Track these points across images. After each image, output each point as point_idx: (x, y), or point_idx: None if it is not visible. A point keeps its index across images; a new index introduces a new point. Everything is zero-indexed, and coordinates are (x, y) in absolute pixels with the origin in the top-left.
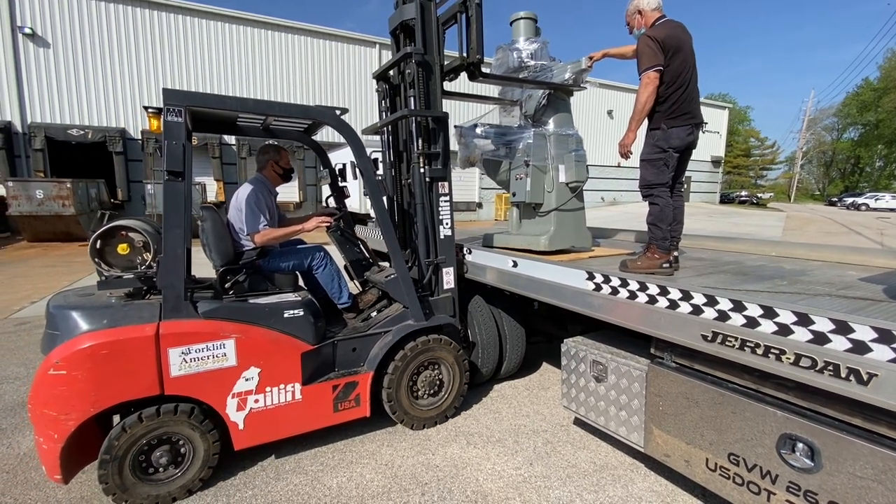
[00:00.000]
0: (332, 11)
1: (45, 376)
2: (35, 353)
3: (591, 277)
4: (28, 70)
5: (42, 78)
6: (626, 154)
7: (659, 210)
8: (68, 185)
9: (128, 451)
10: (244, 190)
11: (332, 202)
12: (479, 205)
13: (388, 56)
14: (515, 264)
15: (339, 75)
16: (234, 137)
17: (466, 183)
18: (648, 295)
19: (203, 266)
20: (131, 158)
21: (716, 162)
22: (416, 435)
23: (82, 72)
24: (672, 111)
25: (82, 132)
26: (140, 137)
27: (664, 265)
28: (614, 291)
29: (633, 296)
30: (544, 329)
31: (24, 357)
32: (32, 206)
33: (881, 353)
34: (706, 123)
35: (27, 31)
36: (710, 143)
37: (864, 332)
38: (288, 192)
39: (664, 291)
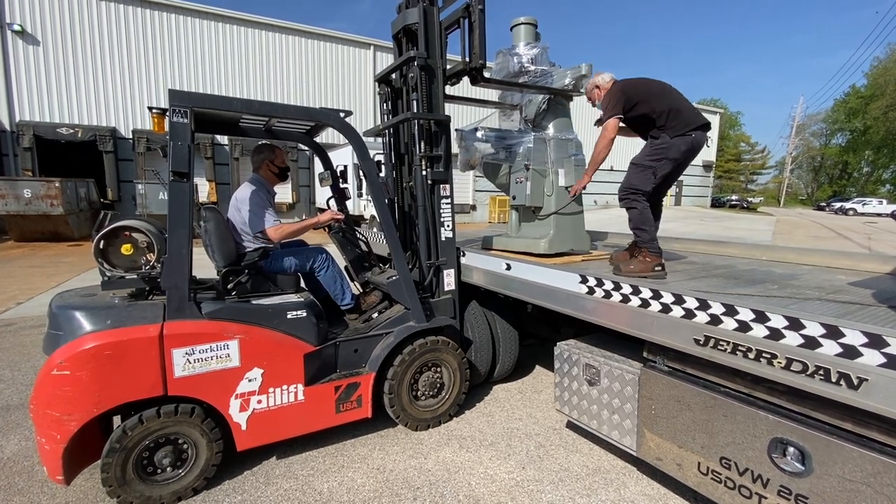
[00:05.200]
0: (323, 10)
1: (48, 377)
2: (21, 354)
3: (584, 281)
4: (17, 68)
5: (31, 76)
6: (574, 193)
7: (638, 214)
8: (57, 185)
9: (137, 444)
10: (244, 191)
11: (332, 203)
12: (473, 207)
13: (383, 58)
14: (509, 267)
15: (333, 76)
16: (226, 138)
17: (461, 185)
18: (641, 298)
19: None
20: (122, 158)
21: (707, 166)
22: (409, 438)
23: (72, 70)
24: (669, 125)
25: (72, 131)
26: (131, 137)
27: (656, 268)
28: (607, 295)
29: (625, 299)
30: (537, 332)
31: (9, 359)
32: (20, 205)
33: (871, 357)
34: (707, 127)
35: (16, 28)
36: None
37: (854, 337)
38: (281, 193)
39: (657, 295)
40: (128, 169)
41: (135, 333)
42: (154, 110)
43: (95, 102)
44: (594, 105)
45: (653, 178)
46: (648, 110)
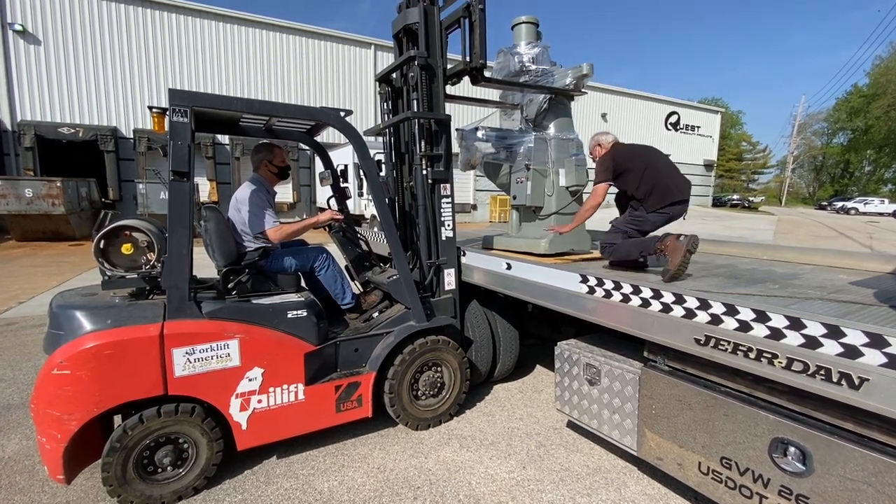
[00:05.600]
0: (323, 10)
1: (49, 376)
2: (22, 354)
3: (584, 280)
4: (18, 67)
5: (32, 75)
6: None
7: (625, 251)
8: (58, 184)
9: (137, 443)
10: (244, 191)
11: (333, 203)
12: (474, 206)
13: (383, 57)
14: (509, 266)
15: (333, 76)
16: (227, 137)
17: (461, 185)
18: (642, 298)
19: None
20: (123, 157)
21: (708, 166)
22: (409, 438)
23: (73, 69)
24: (647, 200)
25: (73, 130)
26: (132, 136)
27: (680, 239)
28: (608, 294)
29: (626, 299)
30: (538, 331)
31: (10, 358)
32: (21, 204)
33: (873, 357)
34: (684, 199)
35: (17, 27)
36: (703, 148)
37: (855, 337)
38: (282, 193)
39: (657, 295)
40: (129, 168)
41: (135, 333)
42: (154, 110)
43: (97, 102)
44: (595, 161)
45: (621, 238)
46: (631, 181)
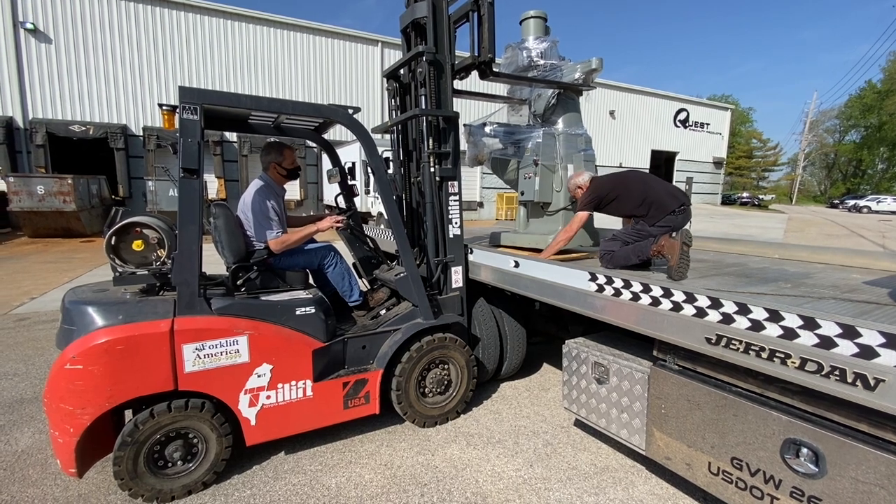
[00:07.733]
0: (329, 7)
1: (62, 371)
2: (35, 349)
3: (593, 278)
4: (30, 65)
5: (44, 73)
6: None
7: (622, 257)
8: (69, 182)
9: (148, 438)
10: (249, 193)
11: (341, 200)
12: (481, 204)
13: (390, 54)
14: (517, 264)
15: (341, 73)
16: (234, 134)
17: (468, 182)
18: (652, 297)
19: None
20: (132, 155)
21: (717, 163)
22: (416, 435)
23: (84, 68)
24: (649, 214)
25: (84, 128)
26: (141, 134)
27: (673, 236)
28: (617, 293)
29: (636, 297)
30: (545, 330)
31: (23, 353)
32: (33, 201)
33: (889, 358)
34: (682, 208)
35: (29, 26)
36: (712, 145)
37: (871, 337)
38: (290, 191)
39: (667, 293)
40: (138, 166)
41: (146, 329)
42: (164, 107)
43: (107, 100)
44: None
45: (619, 246)
46: (624, 204)
